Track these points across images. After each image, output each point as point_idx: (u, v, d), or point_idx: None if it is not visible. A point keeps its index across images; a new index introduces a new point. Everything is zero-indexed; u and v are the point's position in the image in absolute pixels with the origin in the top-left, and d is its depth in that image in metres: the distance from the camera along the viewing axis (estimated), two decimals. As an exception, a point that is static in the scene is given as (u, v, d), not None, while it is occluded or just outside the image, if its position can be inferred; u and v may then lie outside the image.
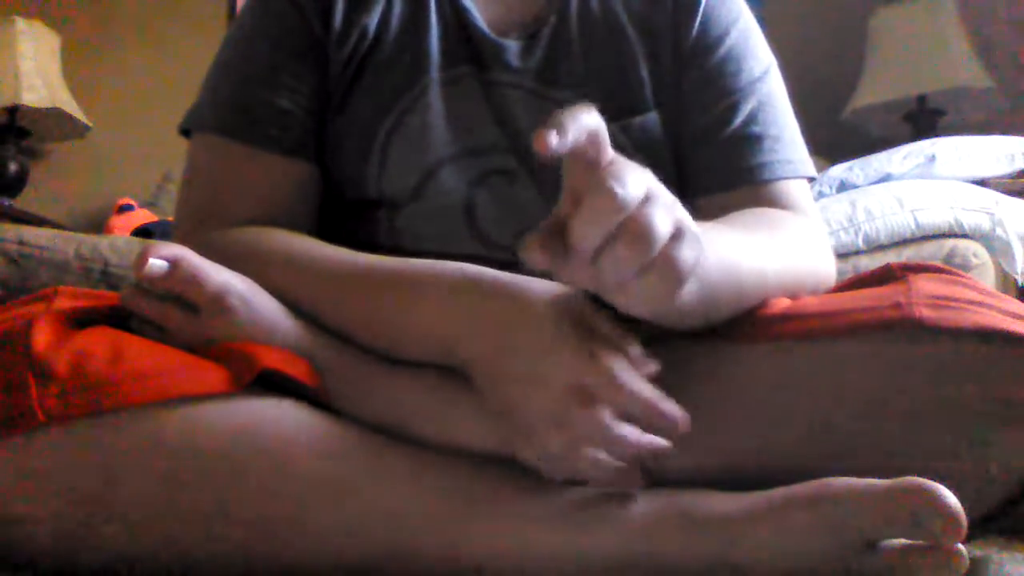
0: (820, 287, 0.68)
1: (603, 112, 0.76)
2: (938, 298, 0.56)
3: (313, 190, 0.77)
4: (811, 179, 0.79)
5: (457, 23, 0.79)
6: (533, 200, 0.75)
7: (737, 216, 0.68)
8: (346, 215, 0.78)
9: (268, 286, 0.63)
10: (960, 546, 0.47)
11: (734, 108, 0.77)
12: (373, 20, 0.78)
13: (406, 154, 0.75)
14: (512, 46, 0.78)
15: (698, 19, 0.79)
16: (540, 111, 0.76)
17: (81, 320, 0.58)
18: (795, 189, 0.75)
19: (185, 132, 0.80)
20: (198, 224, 0.73)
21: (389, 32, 0.78)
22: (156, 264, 0.59)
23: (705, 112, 0.77)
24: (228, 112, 0.76)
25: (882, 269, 0.64)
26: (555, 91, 0.77)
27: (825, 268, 0.71)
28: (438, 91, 0.77)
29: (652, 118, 0.78)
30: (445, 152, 0.76)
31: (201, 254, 0.62)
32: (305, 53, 0.77)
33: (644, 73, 0.78)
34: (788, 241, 0.67)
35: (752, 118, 0.76)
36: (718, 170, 0.76)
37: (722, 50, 0.79)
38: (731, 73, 0.78)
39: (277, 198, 0.75)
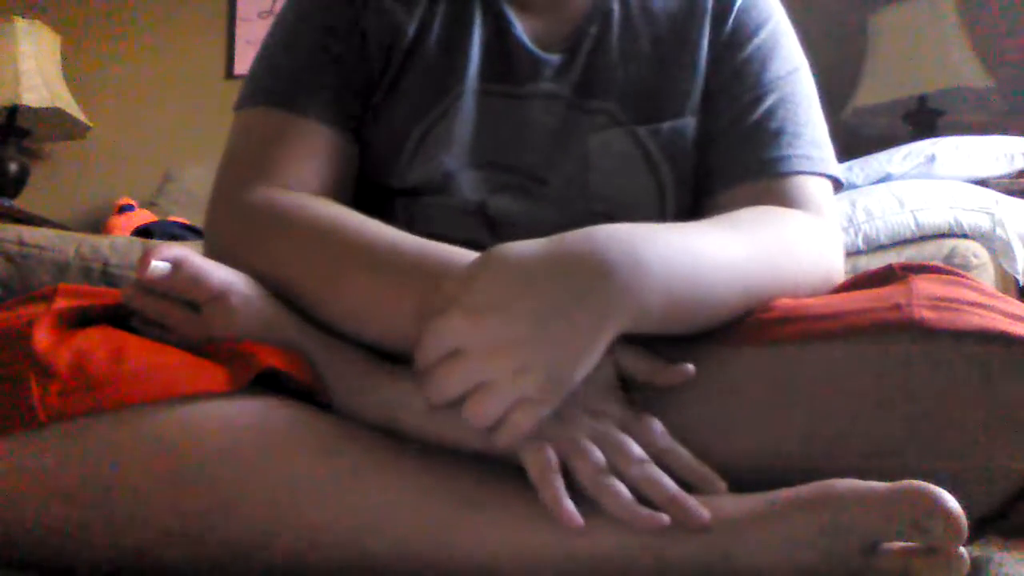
0: (822, 286, 0.68)
1: (635, 116, 0.77)
2: (939, 299, 0.56)
3: (353, 166, 0.78)
4: (837, 181, 0.78)
5: (499, 34, 0.80)
6: (548, 213, 0.76)
7: (735, 213, 0.68)
8: (363, 196, 0.79)
9: (297, 256, 0.64)
10: (961, 549, 0.47)
11: (755, 103, 0.77)
12: (413, 21, 0.79)
13: (435, 155, 0.76)
14: (553, 60, 0.79)
15: (731, 19, 0.80)
16: (574, 122, 0.78)
17: (82, 319, 0.58)
18: (812, 185, 0.75)
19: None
20: (239, 185, 0.72)
21: (430, 36, 0.79)
22: (159, 266, 0.59)
23: (727, 107, 0.78)
24: (275, 84, 0.77)
25: (883, 269, 0.64)
26: (591, 101, 0.78)
27: (828, 267, 0.70)
28: (472, 101, 0.78)
29: (685, 124, 0.78)
30: (468, 160, 0.77)
31: (237, 215, 0.63)
32: (351, 37, 0.78)
33: (683, 80, 0.79)
34: (785, 238, 0.67)
35: (771, 113, 0.77)
36: (735, 163, 0.76)
37: (750, 48, 0.79)
38: (755, 71, 0.78)
39: (320, 168, 0.75)
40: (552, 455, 0.53)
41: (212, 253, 0.70)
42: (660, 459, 0.54)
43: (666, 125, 0.78)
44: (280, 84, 0.77)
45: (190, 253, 0.60)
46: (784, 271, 0.65)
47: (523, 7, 0.81)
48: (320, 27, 0.79)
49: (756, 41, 0.80)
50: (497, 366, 0.52)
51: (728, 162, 0.76)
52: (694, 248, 0.59)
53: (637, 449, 0.54)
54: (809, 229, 0.70)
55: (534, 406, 0.53)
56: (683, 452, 0.55)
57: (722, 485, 0.53)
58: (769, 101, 0.77)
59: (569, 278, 0.53)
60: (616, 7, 0.81)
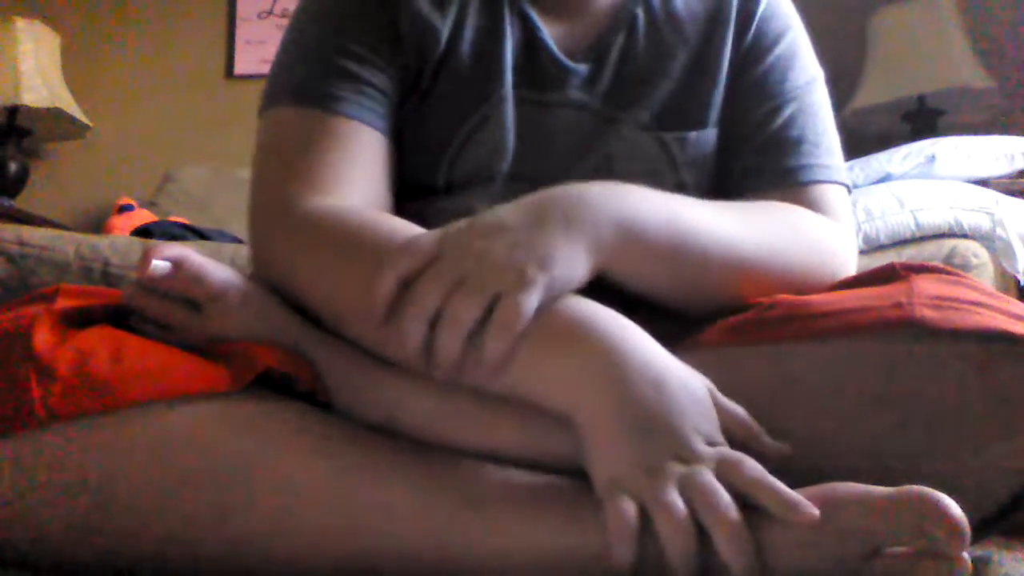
0: (828, 276, 0.68)
1: (662, 125, 0.77)
2: (940, 298, 0.56)
3: (393, 168, 0.76)
4: (848, 190, 0.79)
5: (527, 41, 0.79)
6: None
7: (743, 203, 0.69)
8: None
9: (355, 284, 0.60)
10: (964, 554, 0.47)
11: (774, 113, 0.78)
12: (446, 25, 0.77)
13: (481, 161, 0.76)
14: (580, 71, 0.79)
15: (753, 28, 0.81)
16: (601, 132, 0.78)
17: (82, 319, 0.58)
18: (830, 194, 0.76)
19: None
20: (289, 192, 0.69)
21: (463, 41, 0.78)
22: (160, 265, 0.59)
23: (748, 116, 0.79)
24: (310, 82, 0.74)
25: (884, 268, 0.64)
26: (619, 112, 0.78)
27: (836, 260, 0.71)
28: (508, 108, 0.77)
29: (709, 134, 0.79)
30: (500, 168, 0.76)
31: (292, 227, 0.64)
32: (385, 36, 0.76)
33: (706, 90, 0.79)
34: (791, 224, 0.68)
35: (791, 123, 0.77)
36: (757, 171, 0.77)
37: (770, 59, 0.80)
38: (775, 81, 0.79)
39: (371, 174, 0.73)
40: (632, 513, 0.50)
41: (260, 264, 0.69)
42: (752, 496, 0.50)
43: (692, 134, 0.78)
44: (319, 84, 0.74)
45: (191, 253, 0.61)
46: (785, 254, 0.66)
47: (545, 9, 0.81)
48: (353, 27, 0.76)
49: (776, 52, 0.80)
50: (470, 262, 0.54)
51: (750, 170, 0.77)
52: (674, 204, 0.63)
53: (721, 495, 0.49)
54: (822, 227, 0.71)
55: (519, 290, 0.54)
56: (774, 488, 0.50)
57: (814, 513, 0.48)
58: (789, 110, 0.78)
59: (534, 204, 0.59)
60: (640, 13, 0.81)
